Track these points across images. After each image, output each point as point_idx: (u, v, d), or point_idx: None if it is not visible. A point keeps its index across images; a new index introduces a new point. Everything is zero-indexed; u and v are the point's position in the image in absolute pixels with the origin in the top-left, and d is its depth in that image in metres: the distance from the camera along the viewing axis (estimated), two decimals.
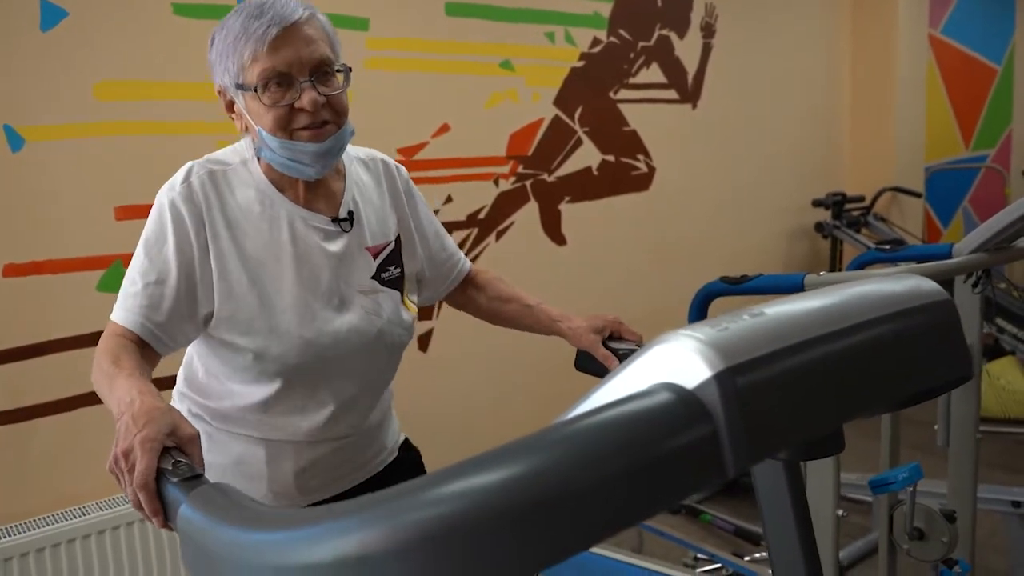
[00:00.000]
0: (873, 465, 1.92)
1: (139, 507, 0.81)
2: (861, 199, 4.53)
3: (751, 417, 0.41)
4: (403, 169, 1.41)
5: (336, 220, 1.25)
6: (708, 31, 3.85)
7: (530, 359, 2.92)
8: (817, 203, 4.40)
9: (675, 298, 2.76)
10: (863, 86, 4.69)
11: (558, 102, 3.25)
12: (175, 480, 0.77)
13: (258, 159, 1.22)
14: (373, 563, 0.35)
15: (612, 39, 3.44)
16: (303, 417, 1.26)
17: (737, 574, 2.21)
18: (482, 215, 3.04)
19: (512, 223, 3.13)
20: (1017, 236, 1.90)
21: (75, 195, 2.13)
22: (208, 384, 1.28)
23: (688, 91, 3.79)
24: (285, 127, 1.15)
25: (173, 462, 0.81)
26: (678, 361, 0.42)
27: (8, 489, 2.06)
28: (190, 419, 1.09)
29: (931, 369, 0.52)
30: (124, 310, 1.15)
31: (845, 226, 4.32)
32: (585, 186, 3.37)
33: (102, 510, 2.09)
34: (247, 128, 1.21)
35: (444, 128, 2.90)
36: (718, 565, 2.31)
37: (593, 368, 1.36)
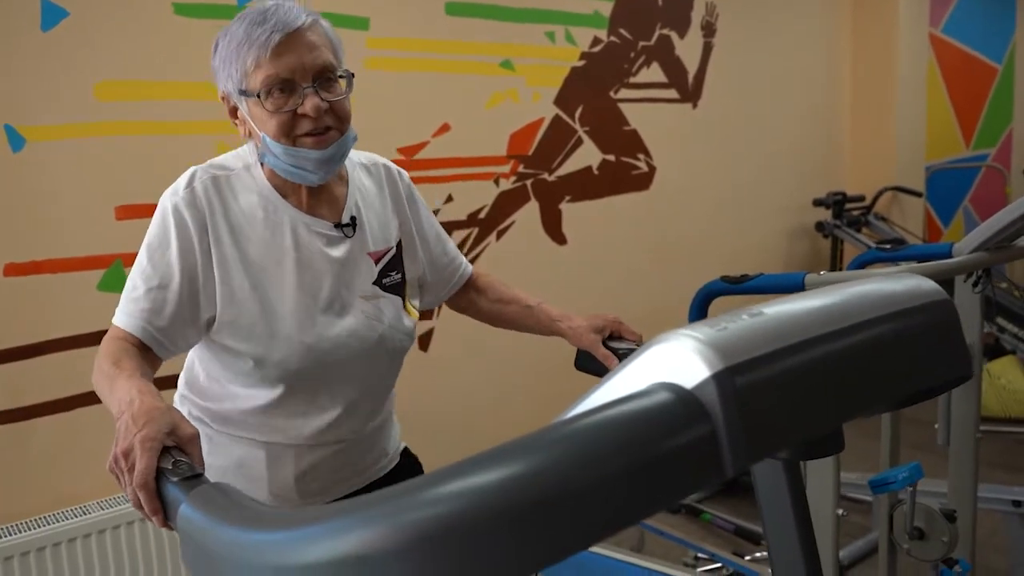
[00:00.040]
0: (873, 465, 1.92)
1: (139, 506, 0.81)
2: (862, 198, 4.53)
3: (750, 417, 0.41)
4: (405, 174, 1.42)
5: (339, 225, 1.26)
6: (709, 30, 3.85)
7: (530, 359, 2.93)
8: (818, 202, 4.40)
9: (675, 297, 2.76)
10: (863, 85, 4.69)
11: (558, 101, 3.25)
12: (175, 479, 0.77)
13: (261, 165, 1.23)
14: (373, 562, 0.35)
15: (613, 38, 3.44)
16: (305, 421, 1.26)
17: (737, 573, 2.21)
18: (483, 215, 3.04)
19: (513, 222, 3.13)
20: (1017, 235, 1.90)
21: (76, 195, 2.13)
22: (209, 387, 1.28)
23: (688, 90, 3.79)
24: (288, 133, 1.15)
25: (173, 461, 0.81)
26: (677, 361, 0.42)
27: (8, 489, 2.06)
28: (191, 422, 1.10)
29: (930, 369, 0.53)
30: (126, 314, 1.15)
31: (846, 225, 4.32)
32: (585, 185, 3.37)
33: (102, 509, 2.09)
34: (250, 134, 1.21)
35: (444, 128, 2.90)
36: (718, 564, 2.31)
37: (593, 368, 1.36)
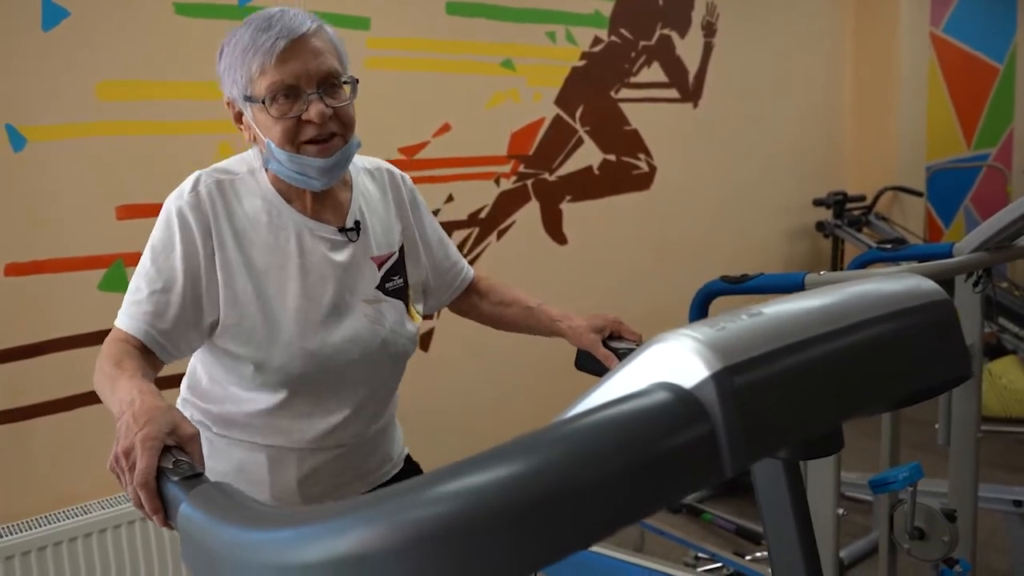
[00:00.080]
0: (873, 464, 1.92)
1: (139, 506, 0.81)
2: (862, 198, 4.53)
3: (749, 416, 0.41)
4: (408, 179, 1.42)
5: (343, 230, 1.26)
6: (709, 30, 3.85)
7: (530, 359, 2.93)
8: (818, 202, 4.40)
9: (676, 297, 2.76)
10: (864, 85, 4.69)
11: (559, 101, 3.25)
12: (176, 479, 0.77)
13: (266, 169, 1.23)
14: (373, 562, 0.35)
15: (613, 38, 3.44)
16: (310, 423, 1.26)
17: (738, 573, 2.21)
18: (483, 214, 3.04)
19: (513, 222, 3.13)
20: (1018, 235, 1.89)
21: (76, 195, 2.13)
22: (212, 390, 1.29)
23: (689, 90, 3.79)
24: (292, 139, 1.15)
25: (174, 461, 0.81)
26: (676, 360, 0.42)
27: (8, 488, 2.06)
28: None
29: (930, 368, 0.53)
30: (129, 317, 1.15)
31: (846, 225, 4.32)
32: (586, 185, 3.37)
33: (102, 509, 2.09)
34: (255, 139, 1.21)
35: (445, 127, 2.90)
36: (719, 564, 2.31)
37: (593, 367, 1.36)
